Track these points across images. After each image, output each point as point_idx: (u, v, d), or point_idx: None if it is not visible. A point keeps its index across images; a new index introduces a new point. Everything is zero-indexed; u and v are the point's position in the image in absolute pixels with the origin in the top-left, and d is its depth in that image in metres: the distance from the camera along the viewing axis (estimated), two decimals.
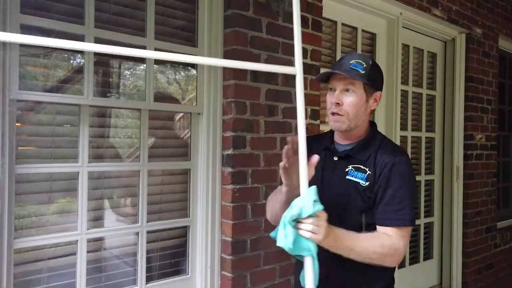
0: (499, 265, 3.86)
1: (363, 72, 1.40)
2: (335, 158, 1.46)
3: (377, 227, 1.38)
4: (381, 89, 1.48)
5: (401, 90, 3.05)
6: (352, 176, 1.42)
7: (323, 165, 1.47)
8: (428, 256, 3.47)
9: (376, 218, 1.39)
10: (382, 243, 1.32)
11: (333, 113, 1.42)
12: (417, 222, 3.33)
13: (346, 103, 1.40)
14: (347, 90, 1.40)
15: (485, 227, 3.68)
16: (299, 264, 1.49)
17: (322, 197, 1.27)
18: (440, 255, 3.54)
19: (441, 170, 3.53)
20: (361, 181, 1.40)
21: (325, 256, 1.36)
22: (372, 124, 1.52)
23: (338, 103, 1.40)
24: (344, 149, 1.48)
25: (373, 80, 1.42)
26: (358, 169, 1.42)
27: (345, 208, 1.41)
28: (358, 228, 1.37)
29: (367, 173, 1.40)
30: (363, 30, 2.86)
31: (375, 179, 1.39)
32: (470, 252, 3.50)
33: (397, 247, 1.33)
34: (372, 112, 1.51)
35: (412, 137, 3.28)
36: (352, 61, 1.41)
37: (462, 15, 3.38)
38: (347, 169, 1.43)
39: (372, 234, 1.36)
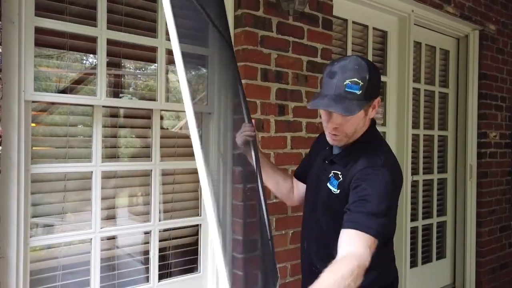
0: None
1: (360, 92, 1.23)
2: (326, 161, 1.44)
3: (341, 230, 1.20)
4: (379, 94, 1.35)
5: (413, 88, 3.02)
6: (329, 184, 1.38)
7: (319, 164, 1.49)
8: (441, 255, 3.44)
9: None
10: (348, 268, 1.07)
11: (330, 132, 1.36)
12: (430, 221, 3.31)
13: (346, 126, 1.31)
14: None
15: (499, 226, 3.63)
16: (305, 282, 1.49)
17: (308, 198, 1.38)
18: (453, 255, 3.50)
19: (454, 169, 3.50)
20: (333, 189, 1.35)
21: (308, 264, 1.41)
22: (370, 127, 1.40)
23: (336, 127, 1.32)
24: (336, 153, 1.43)
25: (370, 94, 1.28)
26: (335, 176, 1.37)
27: (325, 213, 1.41)
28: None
29: (339, 180, 1.34)
30: (374, 28, 2.84)
31: (345, 187, 1.31)
32: (483, 252, 3.45)
33: (363, 262, 1.10)
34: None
35: (424, 135, 3.25)
36: (347, 82, 1.23)
37: (475, 12, 3.34)
38: (329, 175, 1.39)
39: (331, 267, 1.09)
